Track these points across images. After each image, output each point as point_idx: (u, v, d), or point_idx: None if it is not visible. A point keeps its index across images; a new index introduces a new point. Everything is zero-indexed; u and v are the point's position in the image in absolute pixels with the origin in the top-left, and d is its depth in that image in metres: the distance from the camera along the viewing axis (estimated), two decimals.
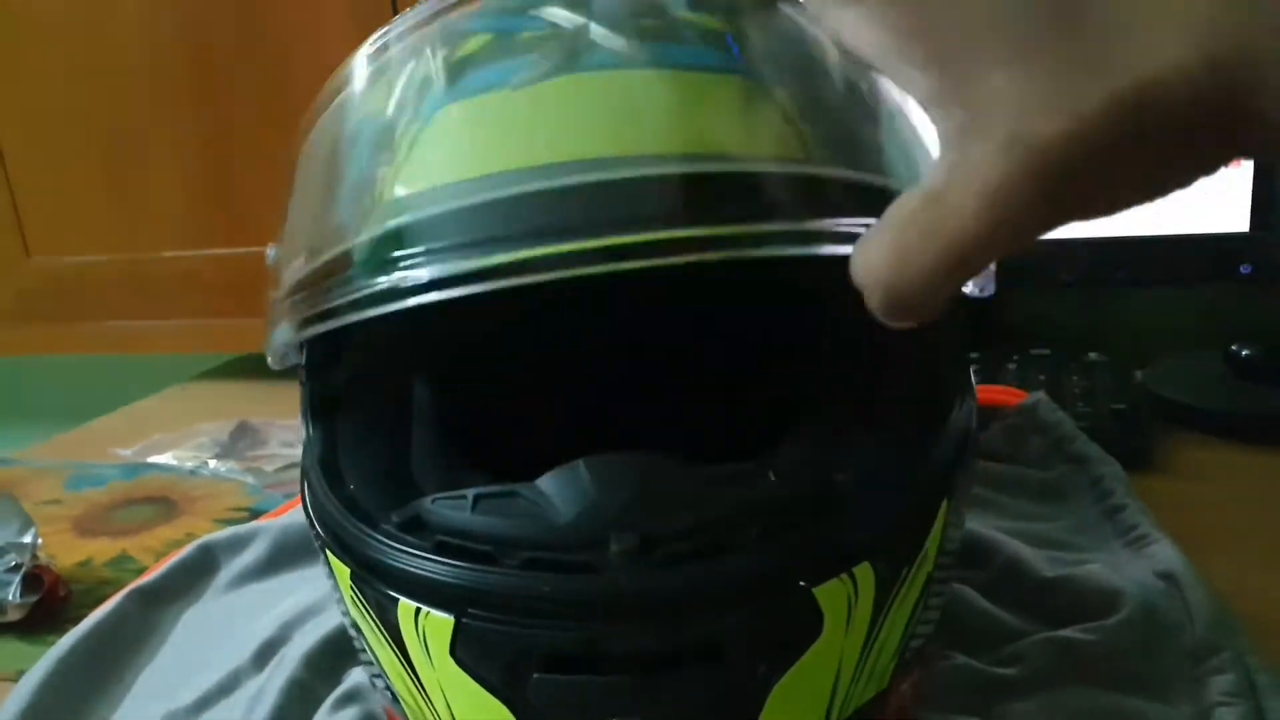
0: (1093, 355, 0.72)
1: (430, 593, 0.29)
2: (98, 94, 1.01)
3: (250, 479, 0.70)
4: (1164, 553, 0.44)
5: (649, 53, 0.30)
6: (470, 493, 0.30)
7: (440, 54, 0.32)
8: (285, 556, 0.53)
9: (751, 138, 0.29)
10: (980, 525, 0.47)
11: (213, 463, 0.73)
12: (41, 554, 0.55)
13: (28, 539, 0.54)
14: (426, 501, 0.30)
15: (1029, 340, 0.74)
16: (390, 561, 0.29)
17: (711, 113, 0.29)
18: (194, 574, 0.52)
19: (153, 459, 0.76)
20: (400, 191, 0.30)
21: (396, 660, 0.30)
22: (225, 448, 0.76)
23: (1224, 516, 0.53)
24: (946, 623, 0.35)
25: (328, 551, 0.32)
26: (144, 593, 0.50)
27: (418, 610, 0.29)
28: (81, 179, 1.05)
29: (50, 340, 1.15)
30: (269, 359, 0.35)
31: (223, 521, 0.63)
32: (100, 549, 0.62)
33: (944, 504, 0.31)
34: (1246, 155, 0.22)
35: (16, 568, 0.52)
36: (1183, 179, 0.21)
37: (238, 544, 0.54)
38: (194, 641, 0.47)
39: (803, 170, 0.29)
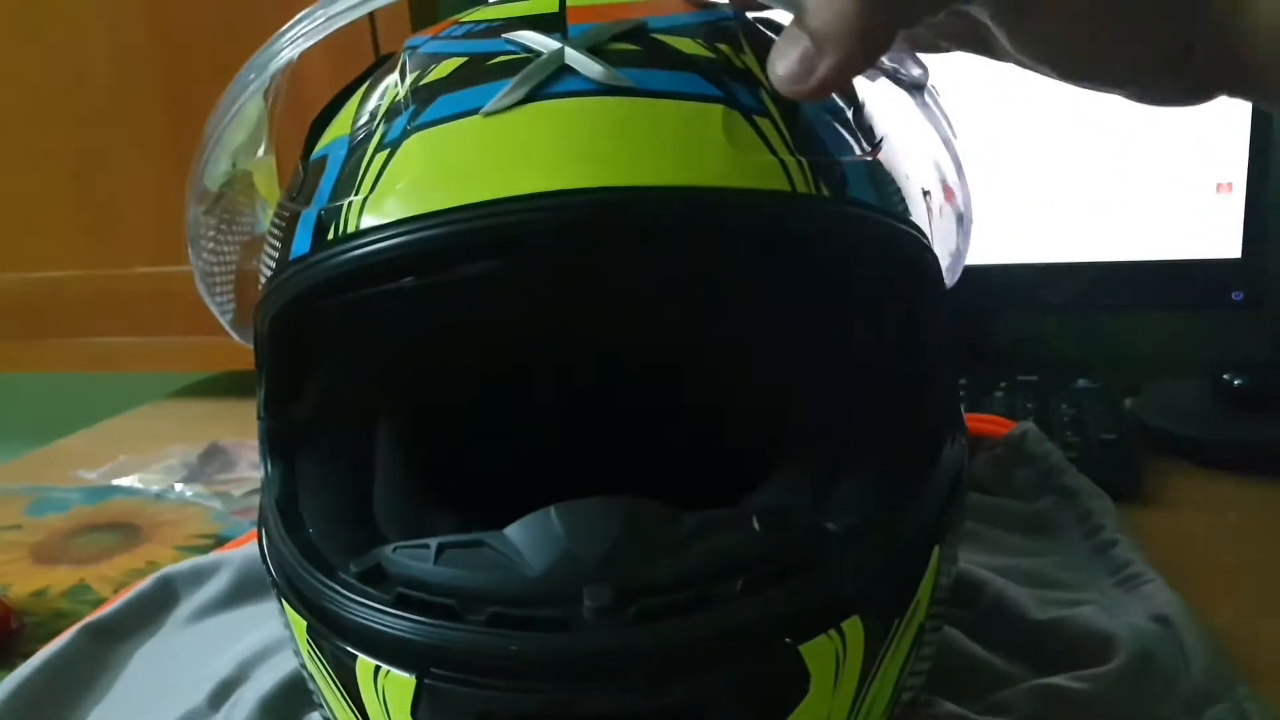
0: (1081, 382, 0.70)
1: (390, 650, 0.27)
2: (67, 106, 0.99)
3: (218, 504, 0.67)
4: (1158, 594, 0.43)
5: (628, 79, 0.28)
6: (433, 542, 0.28)
7: (410, 78, 0.31)
8: (248, 589, 0.50)
9: (733, 170, 0.27)
10: (965, 560, 0.46)
11: (179, 486, 0.71)
12: None
13: None
14: (388, 550, 0.29)
15: (1016, 366, 0.73)
16: (348, 615, 0.28)
17: (691, 144, 0.28)
18: (152, 608, 0.50)
19: (118, 481, 0.74)
20: (367, 222, 0.28)
21: (353, 717, 0.28)
22: (193, 470, 0.73)
23: (1216, 550, 0.52)
24: (934, 667, 0.34)
25: (283, 601, 0.30)
26: (98, 628, 0.47)
27: (377, 669, 0.27)
28: (50, 193, 1.03)
29: (19, 358, 1.12)
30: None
31: (186, 549, 0.61)
32: (58, 578, 0.59)
33: (936, 550, 0.30)
34: None
35: None
36: None
37: (199, 576, 0.52)
38: (148, 680, 0.45)
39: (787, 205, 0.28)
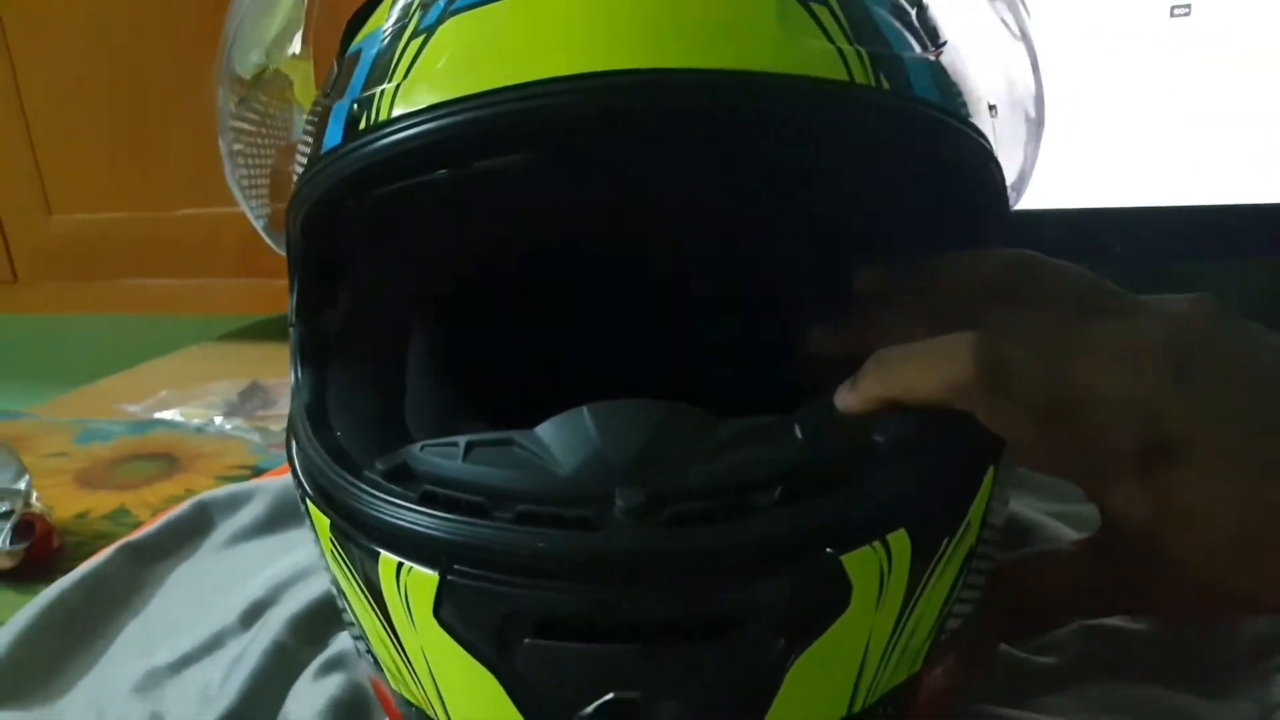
0: None
1: (414, 547, 0.26)
2: (118, 53, 1.00)
3: (256, 437, 0.68)
4: None
5: None
6: (462, 440, 0.27)
7: None
8: (283, 516, 0.50)
9: (786, 55, 0.26)
10: (1019, 505, 0.44)
11: (219, 419, 0.71)
12: (38, 503, 0.53)
13: (21, 486, 0.52)
14: (415, 448, 0.28)
15: None
16: (372, 512, 0.27)
17: (741, 26, 0.26)
18: (188, 531, 0.50)
19: (159, 415, 0.75)
20: (399, 110, 0.27)
21: (377, 622, 0.28)
22: (234, 406, 0.74)
23: None
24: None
25: (308, 503, 0.29)
26: (135, 548, 0.48)
27: (400, 566, 0.26)
28: (102, 137, 1.04)
29: (69, 299, 1.14)
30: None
31: (224, 479, 0.62)
32: (99, 502, 0.60)
33: (990, 471, 0.28)
34: None
35: (7, 514, 0.51)
36: None
37: (235, 502, 0.52)
38: (182, 599, 0.45)
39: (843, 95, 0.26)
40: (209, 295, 1.04)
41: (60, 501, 0.60)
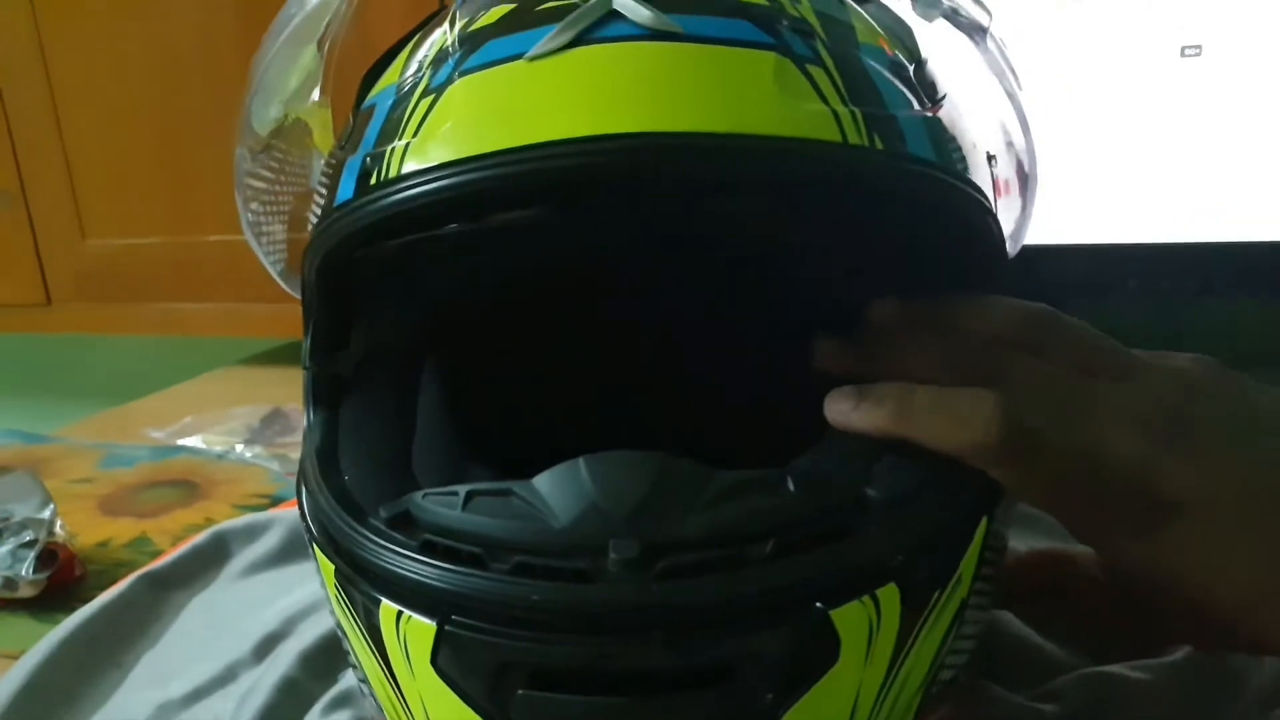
0: None
1: (413, 595, 0.27)
2: (154, 80, 1.02)
3: (276, 465, 0.69)
4: None
5: (677, 24, 0.27)
6: (462, 489, 0.28)
7: (458, 25, 0.31)
8: (299, 547, 0.51)
9: (783, 118, 0.26)
10: (1021, 544, 0.44)
11: (240, 447, 0.73)
12: (62, 531, 0.55)
13: (45, 515, 0.53)
14: (418, 496, 0.28)
15: None
16: (374, 560, 0.27)
17: (737, 90, 0.27)
18: (205, 561, 0.51)
19: (182, 441, 0.76)
20: (409, 167, 0.28)
21: (378, 667, 0.28)
22: (255, 433, 0.75)
23: None
24: (981, 650, 0.32)
25: (315, 547, 0.30)
26: (154, 578, 0.49)
27: (400, 614, 0.27)
28: (137, 162, 1.07)
29: (101, 321, 1.16)
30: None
31: (243, 507, 0.63)
32: (121, 529, 0.61)
33: (983, 523, 0.28)
34: None
35: (31, 543, 0.52)
36: None
37: (252, 532, 0.53)
38: (197, 630, 0.46)
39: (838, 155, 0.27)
40: (236, 319, 1.06)
41: (83, 528, 0.61)
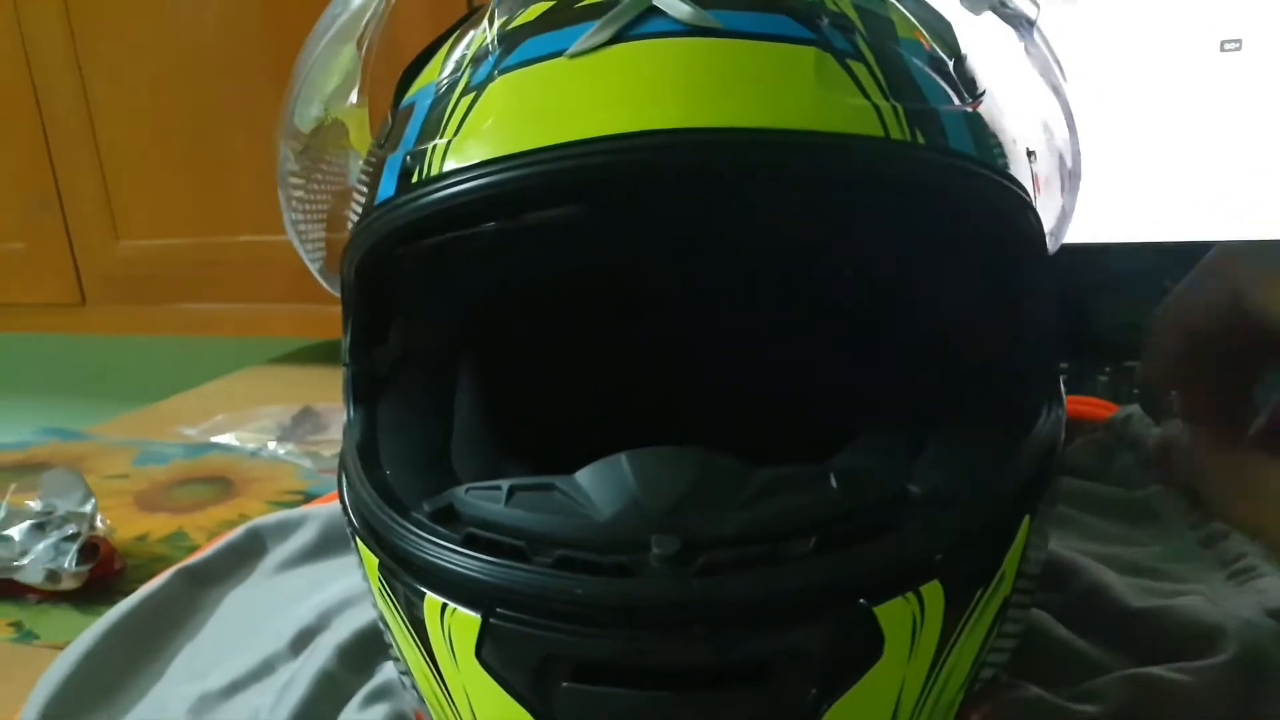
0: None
1: (457, 588, 0.27)
2: (185, 83, 1.03)
3: (308, 462, 0.69)
4: (1275, 588, 0.40)
5: (716, 20, 0.27)
6: (505, 484, 0.28)
7: (497, 23, 0.31)
8: (333, 542, 0.52)
9: (824, 113, 0.26)
10: (1060, 546, 0.44)
11: (272, 444, 0.73)
12: (103, 526, 0.55)
13: (87, 509, 0.54)
14: (460, 491, 0.29)
15: (1122, 351, 0.69)
16: (418, 553, 0.28)
17: (777, 86, 0.27)
18: (241, 556, 0.51)
19: (215, 439, 0.77)
20: (450, 165, 0.28)
21: (422, 659, 0.28)
22: (286, 430, 0.76)
23: None
24: (1019, 650, 0.32)
25: (358, 540, 0.30)
26: (191, 572, 0.49)
27: (444, 606, 0.27)
28: (169, 164, 1.08)
29: (134, 321, 1.18)
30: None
31: (276, 504, 0.63)
32: (158, 525, 0.62)
33: (1025, 521, 0.28)
34: None
35: (74, 536, 0.53)
36: None
37: (286, 528, 0.53)
38: (235, 624, 0.46)
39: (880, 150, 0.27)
40: (264, 319, 1.07)
41: (121, 523, 0.62)
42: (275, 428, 0.77)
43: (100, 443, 0.81)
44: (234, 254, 1.06)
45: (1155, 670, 0.35)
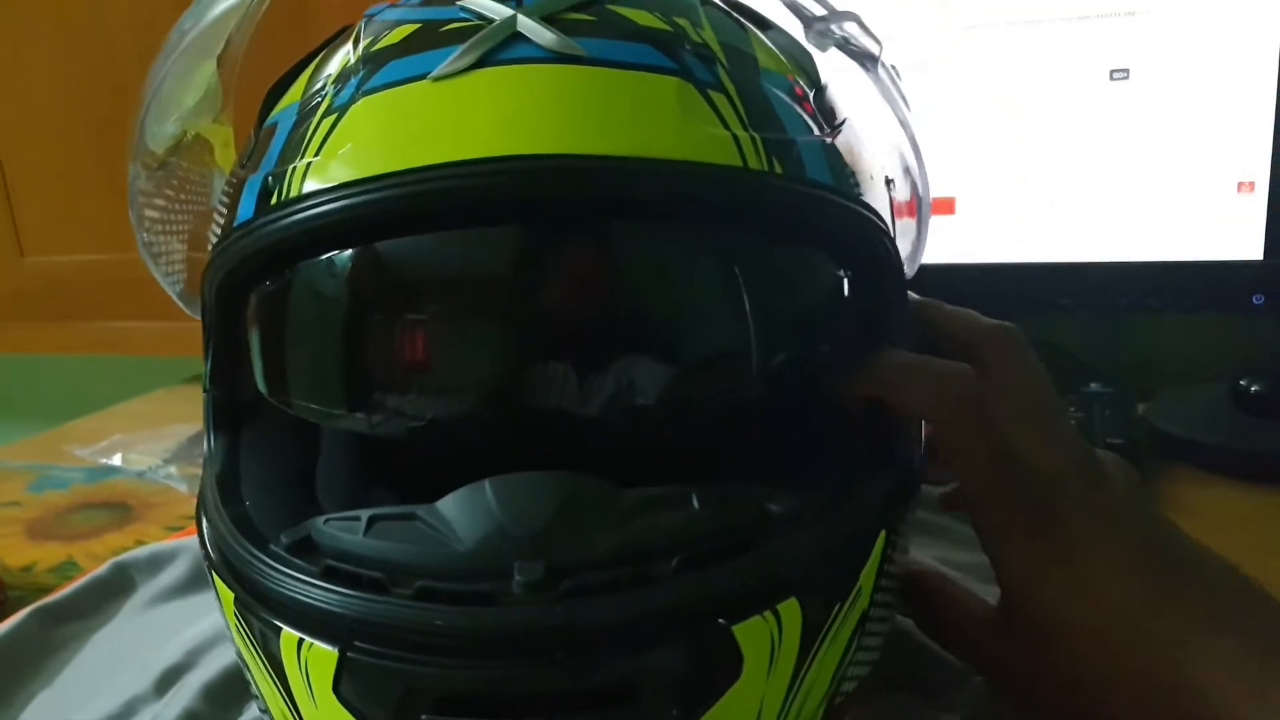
0: (1093, 385, 0.68)
1: (314, 622, 0.26)
2: (92, 96, 1.00)
3: (184, 487, 0.68)
4: None
5: (581, 48, 0.28)
6: (365, 514, 0.27)
7: (363, 44, 0.30)
8: (206, 576, 0.49)
9: (681, 142, 0.27)
10: (924, 554, 0.44)
11: (158, 466, 0.72)
12: None
13: None
14: (319, 522, 0.28)
15: None
16: (274, 586, 0.27)
17: (639, 114, 0.27)
18: (105, 594, 0.49)
19: (104, 460, 0.75)
20: (310, 186, 0.28)
21: (280, 697, 0.28)
22: (180, 451, 0.74)
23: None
24: (884, 658, 0.32)
25: (214, 575, 0.30)
26: (49, 611, 0.46)
27: (300, 641, 0.26)
28: (76, 179, 1.05)
29: (42, 340, 1.14)
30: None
31: (175, 529, 0.61)
32: (48, 554, 0.60)
33: (881, 537, 0.29)
34: None
35: None
36: None
37: (156, 563, 0.50)
38: (97, 665, 0.44)
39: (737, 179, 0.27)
40: (179, 338, 1.04)
41: (9, 553, 0.60)
42: (170, 449, 0.75)
43: None
44: (146, 271, 1.04)
45: None
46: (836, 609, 0.27)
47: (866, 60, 0.33)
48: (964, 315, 0.35)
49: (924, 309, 0.35)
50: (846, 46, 0.33)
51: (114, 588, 0.50)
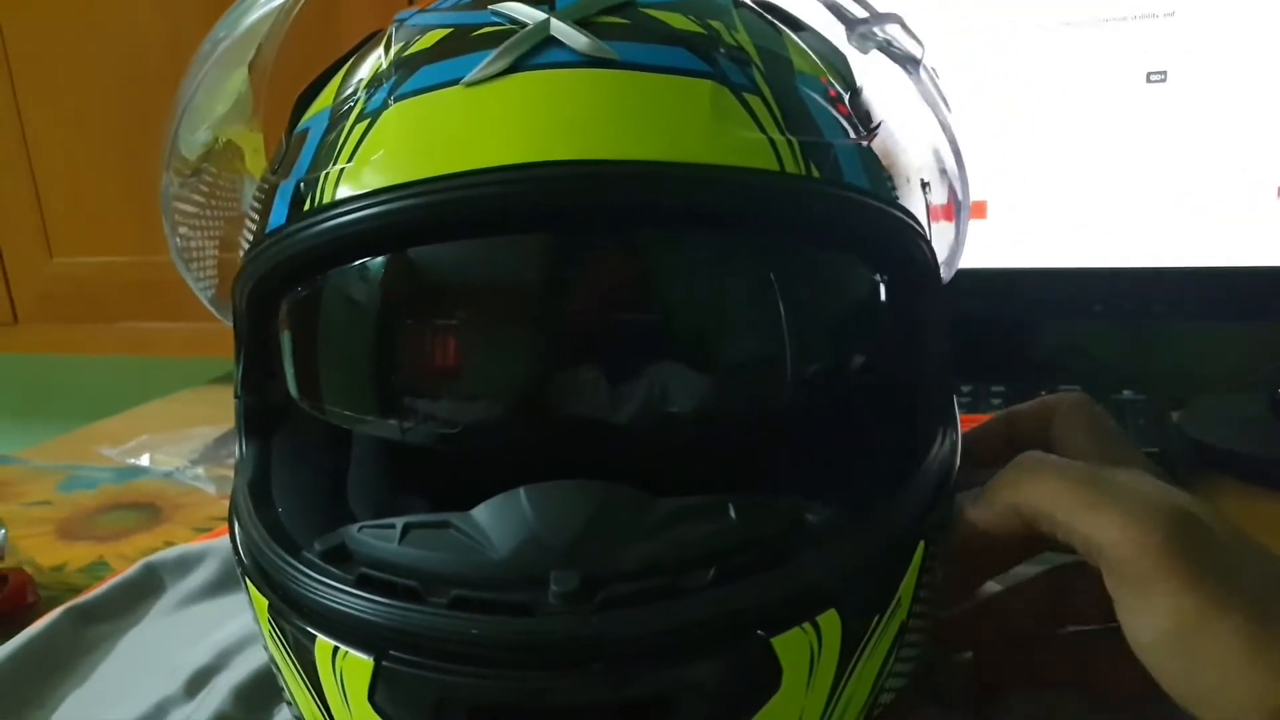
0: (1126, 393, 0.67)
1: (349, 631, 0.26)
2: (121, 99, 1.01)
3: (212, 488, 0.68)
4: None
5: (613, 51, 0.27)
6: (399, 522, 0.27)
7: (394, 49, 0.30)
8: (234, 577, 0.49)
9: (716, 146, 0.26)
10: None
11: (185, 466, 0.72)
12: (18, 554, 0.53)
13: None
14: (353, 529, 0.28)
15: (1057, 374, 0.70)
16: (309, 594, 0.27)
17: (673, 118, 0.27)
18: (136, 594, 0.49)
19: (132, 460, 0.75)
20: (343, 192, 0.28)
21: (314, 703, 0.28)
22: (207, 452, 0.74)
23: None
24: (920, 671, 0.32)
25: (248, 580, 0.30)
26: (81, 611, 0.46)
27: (336, 649, 0.26)
28: (104, 181, 1.06)
29: (69, 340, 1.15)
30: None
31: (203, 530, 0.62)
32: (78, 554, 0.60)
33: (920, 547, 0.28)
34: None
35: None
36: None
37: (185, 564, 0.50)
38: (127, 665, 0.44)
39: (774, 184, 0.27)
40: (206, 338, 1.04)
41: (41, 552, 0.60)
42: (197, 450, 0.75)
43: (26, 467, 0.79)
44: (173, 272, 1.04)
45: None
46: (876, 620, 0.27)
47: (909, 63, 0.33)
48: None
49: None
50: (889, 49, 0.33)
51: (144, 588, 0.50)
